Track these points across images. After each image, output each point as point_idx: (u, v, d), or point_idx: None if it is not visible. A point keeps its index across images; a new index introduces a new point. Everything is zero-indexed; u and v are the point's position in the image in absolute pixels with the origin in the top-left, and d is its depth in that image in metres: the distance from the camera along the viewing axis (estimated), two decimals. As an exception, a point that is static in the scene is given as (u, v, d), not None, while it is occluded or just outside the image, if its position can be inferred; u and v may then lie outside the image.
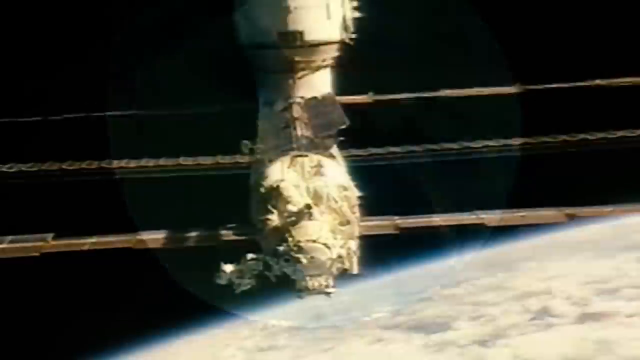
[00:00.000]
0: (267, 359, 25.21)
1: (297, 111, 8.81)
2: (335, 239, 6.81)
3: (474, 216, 8.21)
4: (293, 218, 6.83)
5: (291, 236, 6.71)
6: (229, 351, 25.78)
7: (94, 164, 8.89)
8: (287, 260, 6.69)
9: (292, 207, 6.93)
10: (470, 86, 11.11)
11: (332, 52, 9.20)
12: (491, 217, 8.21)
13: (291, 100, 9.00)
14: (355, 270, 6.98)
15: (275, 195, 7.10)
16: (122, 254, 7.91)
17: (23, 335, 20.17)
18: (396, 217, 8.16)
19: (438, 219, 8.25)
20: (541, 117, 11.50)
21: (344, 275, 6.94)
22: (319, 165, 7.48)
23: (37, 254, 7.64)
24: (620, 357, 22.83)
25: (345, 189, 7.36)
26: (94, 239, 7.79)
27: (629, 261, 27.68)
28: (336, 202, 7.11)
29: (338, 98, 9.49)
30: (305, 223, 6.76)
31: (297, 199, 7.00)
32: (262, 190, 7.26)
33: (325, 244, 6.68)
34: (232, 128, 9.67)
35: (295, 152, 7.69)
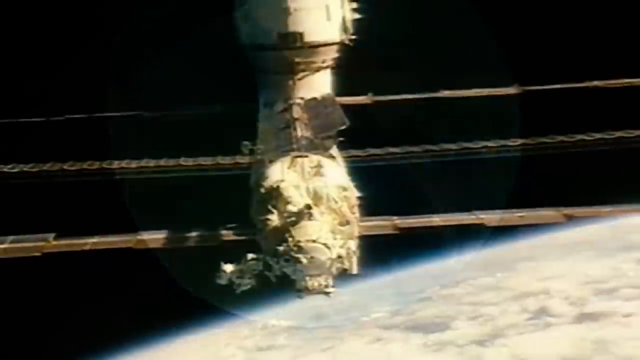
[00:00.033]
0: (267, 359, 25.23)
1: (297, 112, 8.84)
2: (334, 239, 6.85)
3: (473, 216, 8.24)
4: (293, 218, 6.87)
5: (291, 236, 6.74)
6: (229, 351, 25.80)
7: (95, 165, 8.91)
8: (287, 260, 6.72)
9: (292, 208, 6.97)
10: (470, 87, 11.14)
11: (331, 53, 9.23)
12: (490, 217, 8.24)
13: (291, 101, 9.03)
14: (354, 270, 7.01)
15: (275, 195, 7.14)
16: (123, 254, 7.94)
17: (24, 334, 20.19)
18: (395, 218, 8.19)
19: (437, 219, 8.28)
20: (539, 117, 11.54)
21: (343, 275, 6.97)
22: (319, 166, 7.52)
23: (38, 254, 7.66)
24: (618, 356, 22.88)
25: (344, 189, 7.40)
26: (95, 239, 7.81)
27: (627, 261, 27.73)
28: (336, 202, 7.15)
29: (338, 99, 9.52)
30: (305, 223, 6.79)
31: (297, 200, 7.04)
32: (262, 190, 7.30)
33: (325, 244, 6.72)
34: (232, 129, 9.71)
35: (295, 153, 7.73)
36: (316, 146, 7.98)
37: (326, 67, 9.30)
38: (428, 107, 11.05)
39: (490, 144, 9.42)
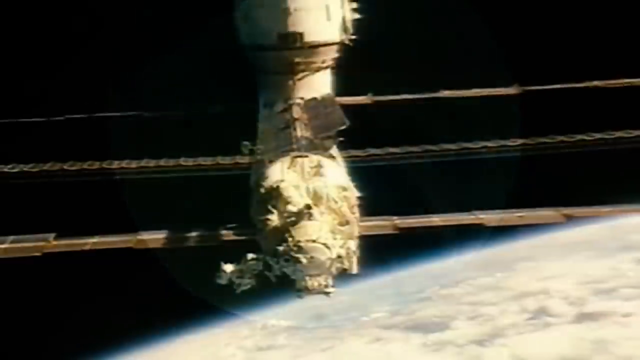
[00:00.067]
0: (266, 359, 25.24)
1: (297, 112, 8.84)
2: (334, 239, 6.86)
3: (472, 216, 8.25)
4: (293, 218, 6.88)
5: (291, 236, 6.75)
6: (229, 350, 25.81)
7: (95, 165, 8.91)
8: (287, 260, 6.73)
9: (292, 208, 6.97)
10: (470, 87, 11.14)
11: (331, 54, 9.24)
12: (489, 217, 8.25)
13: (291, 101, 9.04)
14: (354, 270, 7.02)
15: (275, 195, 7.15)
16: (123, 254, 7.95)
17: (24, 334, 20.19)
18: (395, 217, 8.19)
19: (437, 219, 8.29)
20: (539, 117, 11.56)
21: (343, 275, 6.99)
22: (319, 166, 7.53)
23: (39, 254, 7.67)
24: (617, 356, 22.90)
25: (344, 189, 7.41)
26: (95, 239, 7.82)
27: (626, 261, 27.76)
28: (336, 202, 7.16)
29: (338, 99, 9.52)
30: (305, 223, 6.80)
31: (297, 200, 7.05)
32: (262, 190, 7.31)
33: (324, 244, 6.73)
34: (232, 129, 9.72)
35: (295, 153, 7.74)
36: (316, 146, 7.99)
37: (326, 67, 9.30)
38: (428, 107, 11.05)
39: (490, 144, 9.42)
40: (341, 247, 6.89)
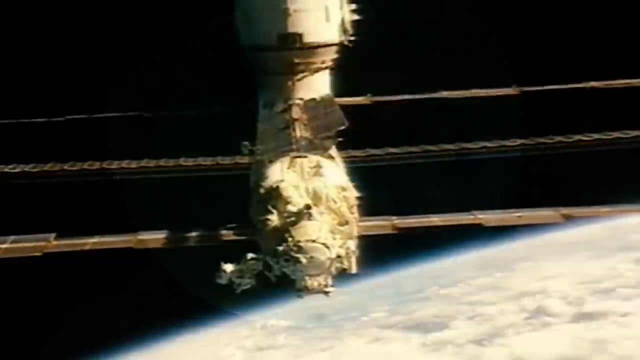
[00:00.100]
0: (266, 359, 25.25)
1: (296, 112, 8.86)
2: (334, 239, 6.88)
3: (471, 216, 8.27)
4: (293, 218, 6.90)
5: (291, 236, 6.77)
6: (228, 350, 25.82)
7: (95, 165, 8.92)
8: (286, 260, 6.75)
9: (291, 208, 7.00)
10: (469, 87, 11.16)
11: (331, 54, 9.25)
12: (488, 217, 8.27)
13: (291, 102, 9.05)
14: (354, 270, 7.04)
15: (275, 195, 7.17)
16: (123, 254, 7.96)
17: (24, 334, 20.20)
18: (394, 217, 8.21)
19: (436, 219, 8.30)
20: (538, 118, 11.58)
21: (343, 275, 7.01)
22: (318, 166, 7.56)
23: (39, 254, 7.68)
24: (616, 356, 22.93)
25: (344, 189, 7.43)
26: (95, 239, 7.83)
27: (624, 261, 27.80)
28: (335, 202, 7.19)
29: (337, 99, 9.54)
30: (304, 223, 6.82)
31: (296, 200, 7.07)
32: (262, 190, 7.33)
33: (324, 244, 6.75)
34: (232, 129, 9.73)
35: (295, 153, 7.76)
36: (315, 146, 8.01)
37: (325, 68, 9.32)
38: (427, 107, 11.07)
39: (489, 144, 9.44)
40: (340, 247, 6.91)
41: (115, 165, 8.96)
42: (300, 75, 9.10)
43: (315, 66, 9.16)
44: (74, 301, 19.91)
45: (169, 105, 10.86)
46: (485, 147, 9.44)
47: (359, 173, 8.09)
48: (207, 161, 9.10)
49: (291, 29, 8.79)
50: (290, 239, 6.77)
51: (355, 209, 7.42)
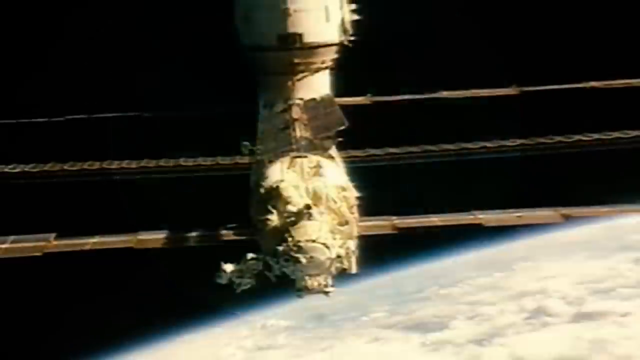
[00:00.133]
0: (266, 358, 25.27)
1: (296, 112, 8.86)
2: (334, 239, 6.89)
3: (471, 216, 8.27)
4: (293, 218, 6.91)
5: (291, 236, 6.78)
6: (228, 350, 25.83)
7: (95, 165, 8.93)
8: (286, 260, 6.76)
9: (291, 208, 7.00)
10: (469, 87, 11.16)
11: (331, 54, 9.26)
12: (488, 217, 8.27)
13: (291, 102, 9.06)
14: (353, 269, 7.05)
15: (275, 195, 7.18)
16: (123, 254, 7.97)
17: (24, 334, 20.21)
18: (394, 217, 8.22)
19: (436, 219, 8.31)
20: (538, 118, 11.59)
21: (342, 275, 7.02)
22: (318, 166, 7.56)
23: (39, 254, 7.69)
24: (615, 356, 22.95)
25: (344, 189, 7.44)
26: (95, 239, 7.83)
27: (624, 261, 27.82)
28: (335, 202, 7.19)
29: (337, 99, 9.54)
30: (304, 223, 6.83)
31: (296, 200, 7.08)
32: (262, 190, 7.34)
33: (324, 244, 6.76)
34: (232, 129, 9.74)
35: (295, 153, 7.76)
36: (315, 146, 8.02)
37: (325, 68, 9.32)
38: (427, 107, 11.08)
39: (489, 144, 9.45)
40: (340, 247, 6.92)
41: (115, 165, 8.96)
42: (300, 75, 9.11)
43: (315, 66, 9.16)
44: (74, 301, 19.93)
45: (169, 105, 10.86)
46: (485, 147, 9.44)
47: (359, 173, 8.10)
48: (207, 161, 9.10)
49: (291, 29, 8.79)
50: (290, 239, 6.77)
51: (355, 209, 7.43)
